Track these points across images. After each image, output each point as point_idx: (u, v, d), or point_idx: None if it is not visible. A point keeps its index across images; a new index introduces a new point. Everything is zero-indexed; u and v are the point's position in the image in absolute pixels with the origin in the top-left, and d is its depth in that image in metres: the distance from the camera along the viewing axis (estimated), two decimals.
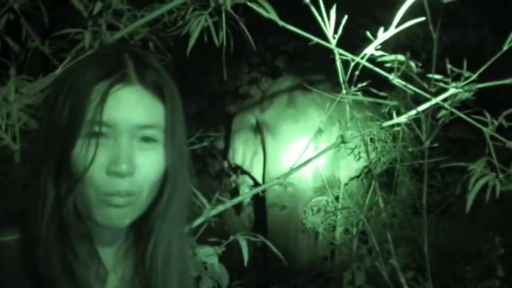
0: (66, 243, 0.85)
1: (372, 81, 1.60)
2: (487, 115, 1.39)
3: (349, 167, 4.79)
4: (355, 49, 1.60)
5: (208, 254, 1.29)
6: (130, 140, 0.86)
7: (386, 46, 1.55)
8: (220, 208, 1.42)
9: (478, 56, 1.54)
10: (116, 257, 0.95)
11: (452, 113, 1.34)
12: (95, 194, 0.85)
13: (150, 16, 1.35)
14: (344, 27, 1.55)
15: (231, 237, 1.37)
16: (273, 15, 1.34)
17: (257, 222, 5.62)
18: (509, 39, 1.52)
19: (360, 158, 4.42)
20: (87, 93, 0.84)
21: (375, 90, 1.56)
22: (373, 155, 3.72)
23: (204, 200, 1.46)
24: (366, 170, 4.58)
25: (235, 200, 1.51)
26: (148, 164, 0.88)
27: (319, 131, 4.45)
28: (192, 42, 1.32)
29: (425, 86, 1.30)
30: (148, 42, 1.49)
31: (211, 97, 6.10)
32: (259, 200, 5.23)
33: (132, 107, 0.87)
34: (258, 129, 5.01)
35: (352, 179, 4.87)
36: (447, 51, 1.53)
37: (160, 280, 0.95)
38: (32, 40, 1.64)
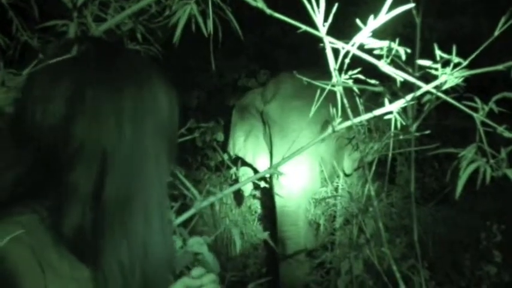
0: None
1: (368, 70, 1.59)
2: (478, 101, 1.38)
3: (352, 158, 4.79)
4: (349, 38, 1.59)
5: (198, 243, 1.29)
6: None
7: (380, 35, 1.54)
8: (211, 199, 1.42)
9: (474, 45, 1.53)
10: None
11: (438, 98, 1.33)
12: None
13: (137, 6, 1.35)
14: (336, 16, 1.54)
15: (222, 227, 1.37)
16: (260, 3, 1.32)
17: (263, 213, 5.62)
18: (499, 25, 1.51)
19: (357, 148, 4.41)
20: None
21: (364, 78, 1.55)
22: (370, 145, 3.71)
23: (195, 192, 1.45)
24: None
25: (227, 191, 1.51)
26: None
27: (326, 122, 4.42)
28: (178, 31, 1.32)
29: (412, 72, 1.30)
30: (135, 34, 1.49)
31: (210, 90, 6.10)
32: (265, 192, 5.22)
33: None
34: (262, 120, 4.98)
35: (355, 170, 4.86)
36: (443, 40, 1.52)
37: None
38: (21, 34, 1.63)
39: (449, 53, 1.42)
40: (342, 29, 1.66)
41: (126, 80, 0.90)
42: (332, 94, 1.64)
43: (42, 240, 0.83)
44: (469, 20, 4.63)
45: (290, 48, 5.84)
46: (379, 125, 4.23)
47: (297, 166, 4.25)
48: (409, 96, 1.37)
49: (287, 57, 5.89)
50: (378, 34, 1.53)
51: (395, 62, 1.48)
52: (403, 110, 1.36)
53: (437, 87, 1.42)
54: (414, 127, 1.17)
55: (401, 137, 1.50)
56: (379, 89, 1.28)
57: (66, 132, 0.85)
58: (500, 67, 1.54)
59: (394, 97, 1.53)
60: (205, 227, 5.19)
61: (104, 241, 0.86)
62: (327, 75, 1.58)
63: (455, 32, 4.43)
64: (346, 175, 4.85)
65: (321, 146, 4.53)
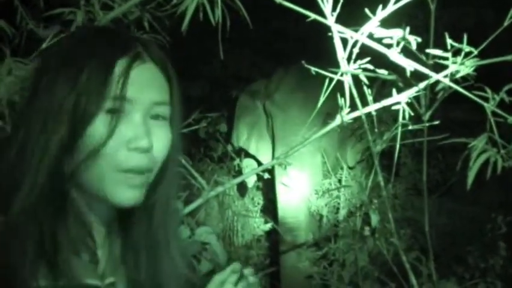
0: (60, 221, 0.84)
1: (373, 62, 1.58)
2: (488, 91, 1.37)
3: (355, 150, 4.77)
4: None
5: (206, 233, 1.28)
6: (146, 116, 0.87)
7: (386, 26, 1.53)
8: (219, 189, 1.41)
9: (481, 36, 1.52)
10: (107, 236, 0.94)
11: (450, 88, 1.32)
12: (114, 171, 0.84)
13: None
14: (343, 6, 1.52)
15: (229, 218, 1.36)
16: None
17: (265, 205, 5.62)
18: (509, 15, 1.49)
19: (361, 139, 4.39)
20: (111, 68, 0.84)
21: (373, 68, 1.54)
22: (378, 135, 3.69)
23: (203, 182, 1.45)
24: (369, 152, 4.56)
25: (234, 181, 1.50)
26: (161, 141, 0.89)
27: (328, 114, 4.40)
28: (187, 19, 1.30)
29: (425, 61, 1.28)
30: (143, 22, 1.47)
31: (213, 81, 6.09)
32: (267, 183, 5.21)
33: (149, 84, 0.88)
34: (265, 112, 4.97)
35: (358, 162, 4.86)
36: (449, 31, 1.51)
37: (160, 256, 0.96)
38: (26, 23, 1.63)
39: (456, 42, 1.41)
40: (348, 20, 1.65)
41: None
42: (335, 86, 1.63)
43: None
44: (473, 9, 4.61)
45: (294, 40, 5.81)
46: (383, 116, 4.21)
47: (298, 158, 4.23)
48: (421, 85, 1.35)
49: (291, 49, 5.86)
50: (382, 25, 1.52)
51: (403, 53, 1.46)
52: (416, 100, 1.35)
53: (448, 76, 1.40)
54: (427, 116, 1.16)
55: (410, 127, 1.49)
56: (392, 77, 1.26)
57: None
58: (509, 57, 1.53)
59: (403, 87, 1.52)
60: (209, 217, 5.19)
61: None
62: (331, 67, 1.57)
63: (459, 21, 4.40)
64: (349, 167, 4.83)
65: (324, 138, 4.50)
